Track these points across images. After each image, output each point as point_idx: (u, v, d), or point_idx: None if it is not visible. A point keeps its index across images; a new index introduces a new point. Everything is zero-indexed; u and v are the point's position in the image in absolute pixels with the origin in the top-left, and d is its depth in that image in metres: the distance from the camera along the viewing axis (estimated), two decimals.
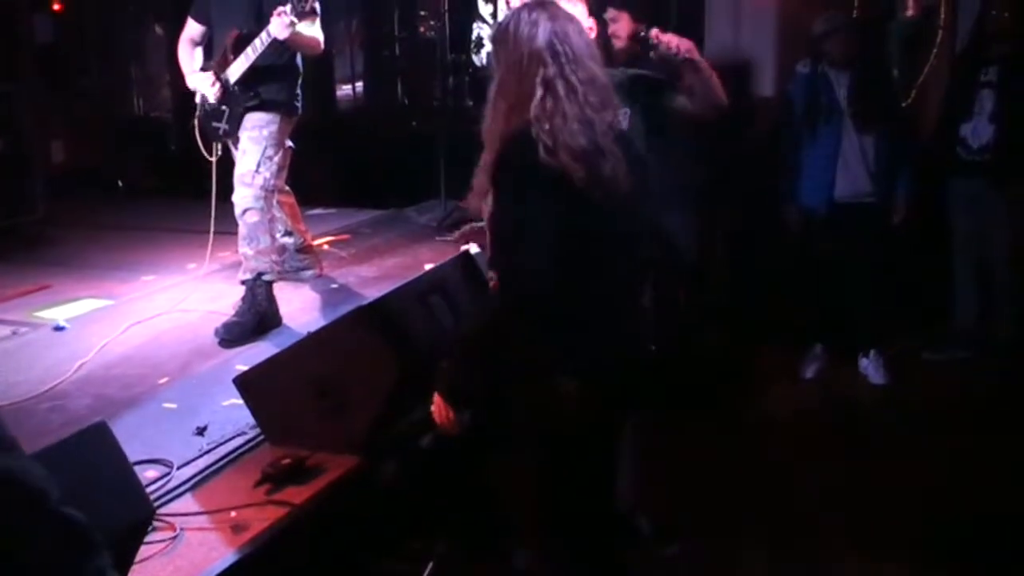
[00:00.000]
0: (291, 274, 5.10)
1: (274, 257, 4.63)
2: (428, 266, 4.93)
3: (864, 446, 4.38)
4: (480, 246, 5.30)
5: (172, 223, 6.82)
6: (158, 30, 9.27)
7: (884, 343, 5.02)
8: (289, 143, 4.77)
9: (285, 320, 4.58)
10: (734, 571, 3.49)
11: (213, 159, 4.77)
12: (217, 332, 4.40)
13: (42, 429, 3.41)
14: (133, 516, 2.32)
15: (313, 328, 4.02)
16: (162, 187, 8.54)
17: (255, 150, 4.52)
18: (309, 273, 5.27)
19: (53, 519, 1.52)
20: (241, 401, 3.33)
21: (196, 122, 4.76)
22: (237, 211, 4.55)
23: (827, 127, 4.79)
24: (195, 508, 2.87)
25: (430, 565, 3.24)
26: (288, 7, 4.17)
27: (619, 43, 4.33)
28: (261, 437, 3.28)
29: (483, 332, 2.58)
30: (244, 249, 4.59)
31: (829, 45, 4.79)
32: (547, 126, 2.32)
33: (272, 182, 4.58)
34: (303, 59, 4.69)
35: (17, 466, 1.52)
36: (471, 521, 3.50)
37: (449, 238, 6.11)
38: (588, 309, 2.41)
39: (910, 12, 6.25)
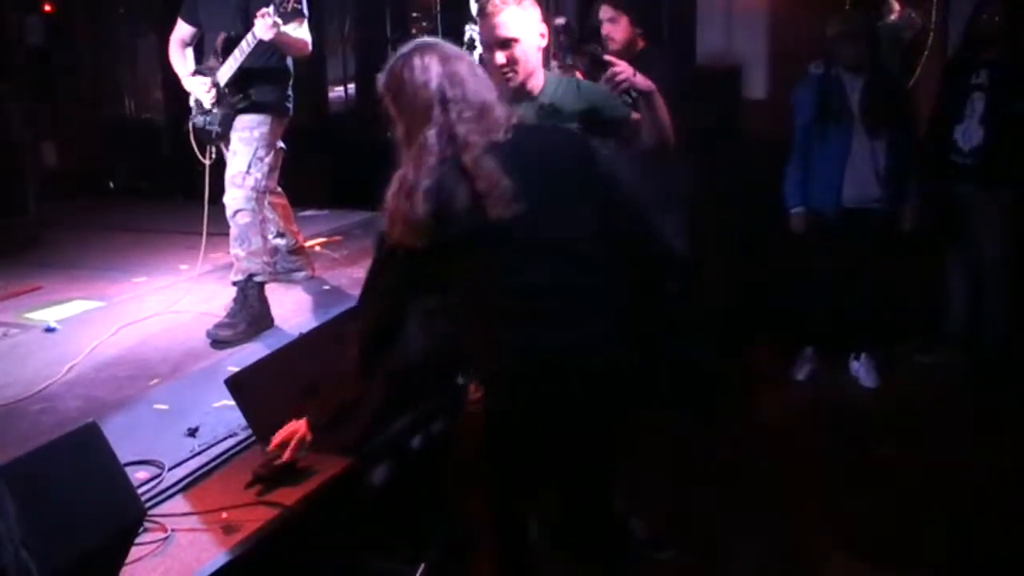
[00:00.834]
0: (283, 275, 5.10)
1: (266, 259, 4.62)
2: None
3: (855, 448, 4.39)
4: None
5: (164, 225, 6.81)
6: (150, 33, 9.26)
7: (875, 346, 5.03)
8: (281, 144, 4.75)
9: (277, 321, 4.57)
10: (728, 571, 3.50)
11: (207, 162, 4.76)
12: (209, 333, 4.39)
13: (33, 430, 3.41)
14: (123, 517, 2.32)
15: (305, 329, 4.02)
16: (154, 189, 8.53)
17: (246, 151, 4.51)
18: (301, 275, 5.25)
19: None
20: (232, 402, 3.32)
21: (191, 126, 4.74)
22: (228, 212, 4.53)
23: (837, 130, 4.80)
24: (186, 509, 2.86)
25: (422, 566, 3.24)
26: (271, 8, 4.15)
27: (614, 46, 4.35)
28: (253, 438, 3.27)
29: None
30: (235, 250, 4.57)
31: (843, 47, 4.78)
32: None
33: (264, 183, 4.56)
34: (294, 60, 4.69)
35: None
36: (463, 523, 3.49)
37: None
38: (507, 324, 2.40)
39: (894, 16, 6.28)
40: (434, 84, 2.43)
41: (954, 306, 5.16)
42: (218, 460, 3.16)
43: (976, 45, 4.89)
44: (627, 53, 4.36)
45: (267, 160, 4.57)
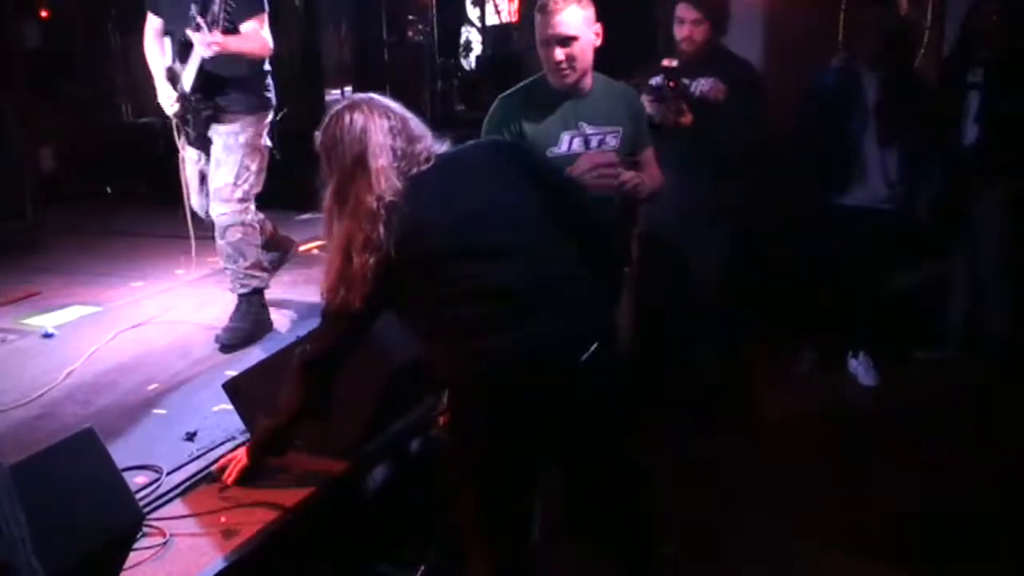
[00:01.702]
0: (273, 270, 4.92)
1: (264, 266, 4.53)
2: None
3: (854, 447, 4.38)
4: None
5: (161, 229, 6.79)
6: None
7: (874, 344, 5.03)
8: (267, 142, 4.53)
9: (276, 325, 4.57)
10: (728, 571, 3.49)
11: (183, 167, 4.66)
12: (218, 338, 4.34)
13: (31, 436, 3.41)
14: (121, 522, 2.32)
15: (302, 333, 4.01)
16: (151, 193, 8.51)
17: (231, 161, 4.31)
18: (289, 256, 5.10)
19: None
20: (231, 406, 3.32)
21: (173, 117, 4.51)
22: (218, 230, 4.37)
23: (848, 125, 4.75)
24: (185, 513, 2.86)
25: (422, 569, 3.24)
26: (211, 14, 3.97)
27: (691, 47, 4.28)
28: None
29: None
30: (231, 266, 4.42)
31: (868, 42, 4.74)
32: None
33: (253, 191, 4.40)
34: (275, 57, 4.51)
35: None
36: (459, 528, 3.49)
37: None
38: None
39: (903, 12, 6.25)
40: (363, 140, 2.51)
41: (953, 304, 5.16)
42: (217, 464, 3.16)
43: (972, 43, 4.89)
44: (698, 54, 4.33)
45: (254, 166, 4.39)
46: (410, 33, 10.44)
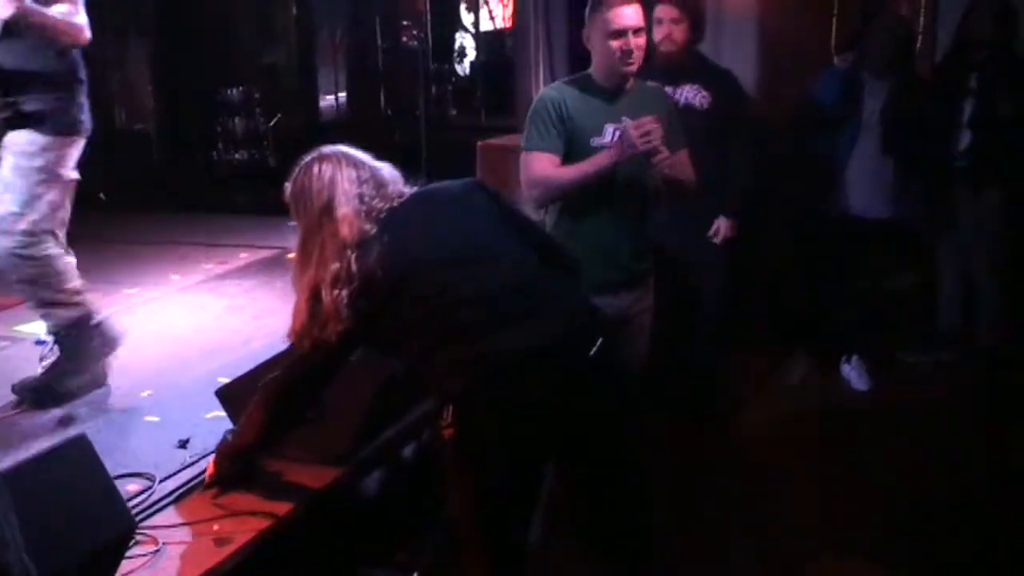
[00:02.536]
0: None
1: (76, 295, 3.81)
2: None
3: (847, 452, 4.39)
4: None
5: (154, 235, 6.80)
6: (140, 43, 9.27)
7: (867, 348, 5.03)
8: (73, 174, 3.78)
9: (267, 331, 4.54)
10: (720, 572, 3.49)
11: None
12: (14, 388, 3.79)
13: (22, 443, 3.39)
14: (114, 530, 2.31)
15: None
16: (144, 199, 8.51)
17: (20, 186, 3.59)
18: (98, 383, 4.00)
19: None
20: (224, 413, 3.31)
21: None
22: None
23: (844, 132, 4.75)
24: (177, 521, 2.85)
25: (416, 575, 3.24)
26: None
27: (672, 47, 4.31)
28: None
29: None
30: (33, 306, 3.80)
31: (872, 47, 4.74)
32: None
33: (44, 226, 3.67)
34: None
35: None
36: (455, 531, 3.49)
37: None
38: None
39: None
40: (331, 189, 2.56)
41: (945, 308, 5.17)
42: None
43: (965, 48, 4.90)
44: (680, 58, 4.35)
45: (48, 197, 3.66)
46: (404, 39, 10.44)
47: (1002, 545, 3.62)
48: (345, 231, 2.48)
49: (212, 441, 3.34)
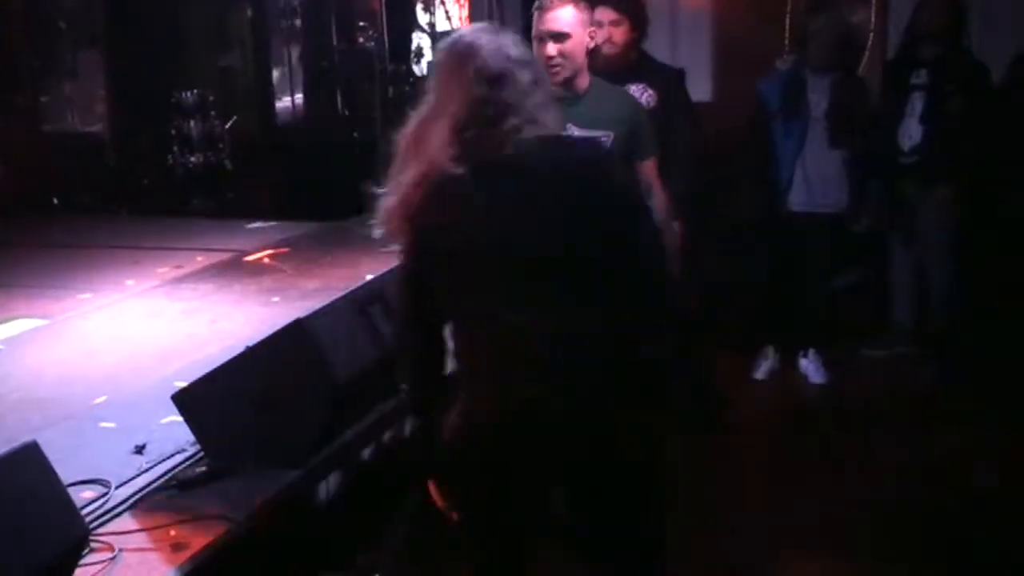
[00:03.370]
0: None
1: None
2: (369, 277, 4.89)
3: (808, 444, 4.43)
4: None
5: (108, 240, 6.72)
6: (93, 46, 9.17)
7: (824, 342, 5.09)
8: None
9: (224, 334, 4.50)
10: (680, 572, 3.50)
11: None
12: None
13: None
14: (67, 537, 2.28)
15: (252, 342, 3.97)
16: (98, 203, 8.41)
17: None
18: None
19: None
20: (180, 418, 3.28)
21: None
22: None
23: (793, 130, 4.80)
24: (134, 527, 2.82)
25: None
26: None
27: (613, 49, 4.33)
28: (201, 454, 3.23)
29: None
30: None
31: (814, 46, 4.79)
32: None
33: None
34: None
35: None
36: (417, 533, 3.48)
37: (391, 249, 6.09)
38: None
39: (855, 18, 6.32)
40: (491, 68, 2.22)
41: (899, 301, 5.23)
42: (166, 477, 3.12)
43: (916, 45, 4.96)
44: (624, 59, 4.37)
45: None
46: (360, 39, 10.40)
47: (962, 530, 3.67)
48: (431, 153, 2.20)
49: (169, 446, 3.32)
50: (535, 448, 2.23)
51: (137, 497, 2.99)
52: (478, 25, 2.39)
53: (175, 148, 8.79)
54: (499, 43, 2.27)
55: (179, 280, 5.55)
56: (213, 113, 8.88)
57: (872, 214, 4.93)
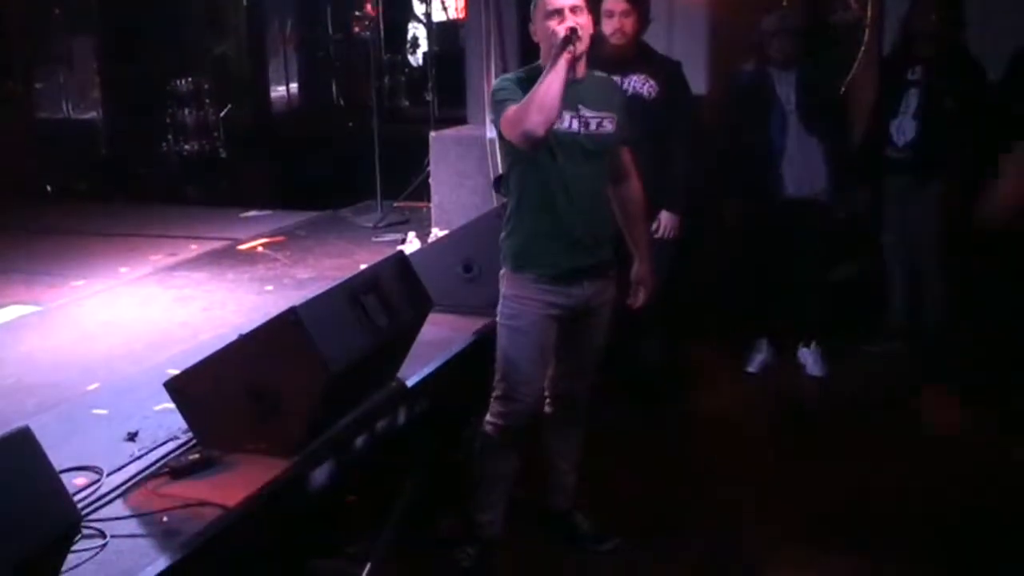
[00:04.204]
0: None
1: None
2: (363, 267, 4.90)
3: (802, 438, 4.44)
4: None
5: (102, 227, 6.72)
6: (86, 33, 9.16)
7: (823, 336, 5.09)
8: None
9: (219, 322, 4.51)
10: (673, 567, 3.51)
11: None
12: None
13: None
14: (59, 524, 2.27)
15: (245, 331, 3.98)
16: (91, 190, 8.41)
17: None
18: None
19: None
20: (173, 405, 3.28)
21: None
22: None
23: (773, 124, 4.83)
24: (125, 514, 2.82)
25: (368, 566, 3.23)
26: None
27: (622, 40, 4.34)
28: (194, 441, 3.23)
29: None
30: None
31: (774, 44, 4.83)
32: None
33: None
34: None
35: None
36: (407, 520, 3.49)
37: (385, 239, 6.11)
38: None
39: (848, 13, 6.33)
40: None
41: (894, 296, 5.24)
42: (158, 464, 3.12)
43: (911, 42, 4.97)
44: (629, 49, 4.38)
45: None
46: (356, 29, 10.39)
47: (953, 524, 3.69)
48: None
49: (161, 433, 3.33)
50: None
51: (129, 484, 2.99)
52: None
53: (169, 136, 8.80)
54: None
55: (173, 268, 5.55)
56: (208, 101, 8.88)
57: (849, 202, 4.96)
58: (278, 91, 10.60)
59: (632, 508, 3.81)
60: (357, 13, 10.31)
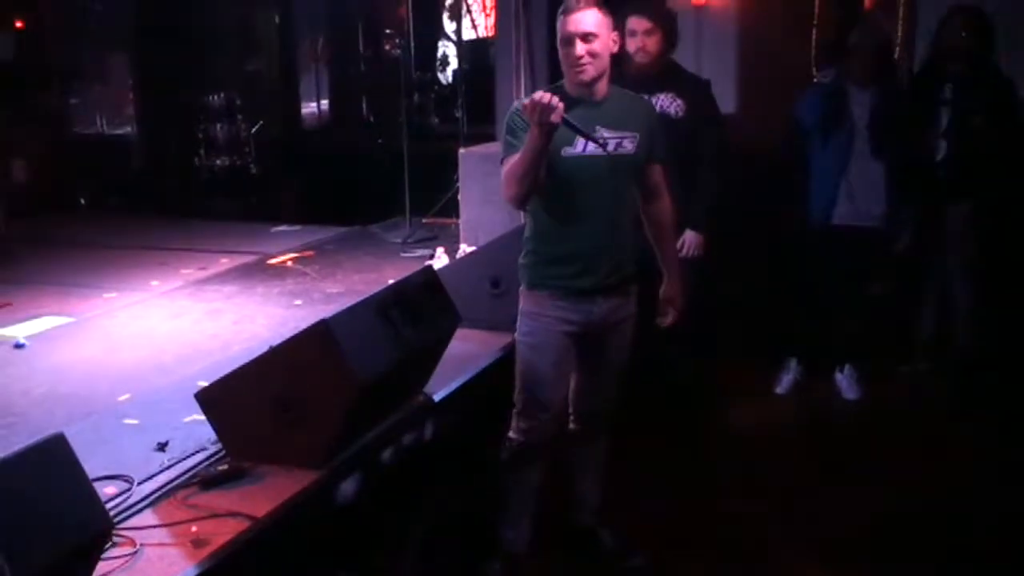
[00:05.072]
0: None
1: None
2: (392, 281, 4.92)
3: (831, 459, 4.41)
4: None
5: (134, 240, 6.79)
6: (121, 49, 9.27)
7: (859, 358, 5.05)
8: None
9: (247, 336, 4.55)
10: None
11: None
12: None
13: (2, 445, 3.38)
14: (90, 531, 2.30)
15: (275, 343, 4.01)
16: (125, 204, 8.50)
17: None
18: None
19: None
20: (203, 416, 3.31)
21: None
22: None
23: (836, 144, 4.75)
24: (155, 523, 2.85)
25: None
26: None
27: (646, 58, 4.36)
28: (223, 452, 3.26)
29: None
30: None
31: (855, 59, 4.77)
32: None
33: None
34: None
35: None
36: (433, 535, 3.50)
37: (413, 255, 6.14)
38: None
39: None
40: None
41: (926, 317, 5.20)
42: (188, 474, 3.15)
43: (942, 60, 4.94)
44: (655, 68, 4.40)
45: None
46: (387, 47, 10.46)
47: (985, 547, 3.65)
48: None
49: (190, 444, 3.36)
50: None
51: (159, 493, 3.02)
52: None
53: (201, 151, 8.88)
54: None
55: (203, 281, 5.61)
56: (239, 117, 8.97)
57: (910, 234, 4.88)
58: (309, 107, 10.68)
59: (657, 525, 3.80)
60: (388, 31, 10.38)
